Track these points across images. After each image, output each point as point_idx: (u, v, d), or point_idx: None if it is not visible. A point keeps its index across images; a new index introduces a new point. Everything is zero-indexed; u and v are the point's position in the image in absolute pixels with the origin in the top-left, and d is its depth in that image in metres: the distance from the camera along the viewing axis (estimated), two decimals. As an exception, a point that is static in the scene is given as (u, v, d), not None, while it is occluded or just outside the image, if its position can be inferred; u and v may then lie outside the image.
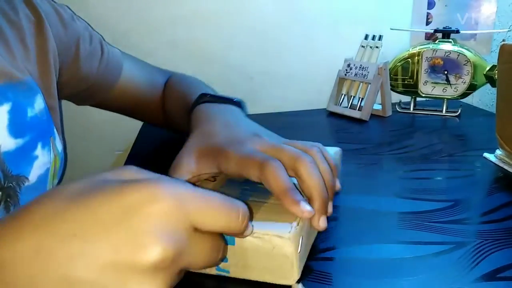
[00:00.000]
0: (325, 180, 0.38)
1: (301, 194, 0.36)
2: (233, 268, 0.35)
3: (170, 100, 0.64)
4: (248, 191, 0.39)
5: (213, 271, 0.36)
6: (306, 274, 0.38)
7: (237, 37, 0.87)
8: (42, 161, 0.44)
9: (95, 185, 0.23)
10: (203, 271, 0.36)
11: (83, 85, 0.59)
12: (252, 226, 0.31)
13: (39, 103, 0.45)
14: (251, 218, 0.32)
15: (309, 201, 0.36)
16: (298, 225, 0.34)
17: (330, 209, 0.39)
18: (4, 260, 0.21)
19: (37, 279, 0.21)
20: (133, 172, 0.25)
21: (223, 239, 0.27)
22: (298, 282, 0.34)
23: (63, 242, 0.21)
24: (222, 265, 0.35)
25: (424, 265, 0.38)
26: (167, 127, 0.69)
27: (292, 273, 0.33)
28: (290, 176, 0.37)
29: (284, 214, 0.34)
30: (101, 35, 0.63)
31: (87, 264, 0.21)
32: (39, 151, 0.44)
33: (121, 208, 0.22)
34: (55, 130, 0.49)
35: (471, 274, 0.37)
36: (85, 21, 0.60)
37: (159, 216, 0.22)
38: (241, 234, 0.28)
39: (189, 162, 0.41)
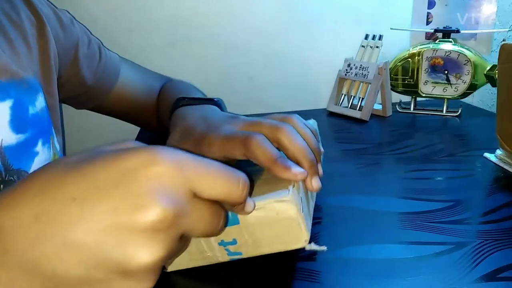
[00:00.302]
0: (309, 144, 0.38)
1: None
2: (244, 248, 0.35)
3: (162, 106, 0.65)
4: None
5: (226, 258, 0.36)
6: (306, 273, 0.38)
7: (237, 37, 0.87)
8: (43, 157, 0.45)
9: (94, 154, 0.23)
10: (217, 260, 0.36)
11: (81, 88, 0.59)
12: (254, 202, 0.31)
13: (40, 102, 0.46)
14: (250, 191, 0.32)
15: (299, 165, 0.36)
16: (294, 187, 0.34)
17: (320, 171, 0.39)
18: (4, 227, 0.21)
19: (37, 245, 0.21)
20: (132, 144, 0.25)
21: (223, 207, 0.27)
22: (309, 243, 0.34)
23: (62, 207, 0.21)
24: (233, 248, 0.35)
25: (425, 265, 0.38)
26: (162, 131, 0.69)
27: (301, 234, 0.33)
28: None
29: (278, 184, 0.34)
30: (99, 40, 0.63)
31: (86, 227, 0.20)
32: (39, 147, 0.45)
33: (119, 171, 0.21)
34: (53, 129, 0.49)
35: (471, 274, 0.37)
36: (85, 26, 0.61)
37: (158, 178, 0.22)
38: (241, 205, 0.28)
39: None
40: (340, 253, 0.40)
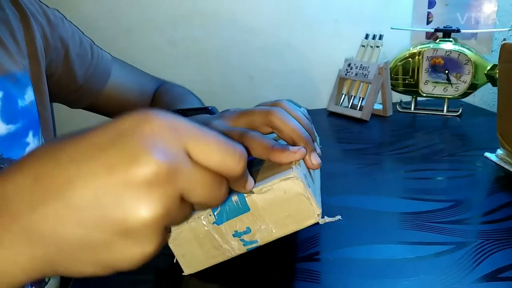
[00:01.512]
0: (301, 123, 0.38)
1: None
2: (259, 235, 0.35)
3: None
4: None
5: (242, 249, 0.36)
6: (307, 274, 0.38)
7: (237, 37, 0.87)
8: (33, 148, 0.46)
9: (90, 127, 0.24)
10: (235, 253, 0.36)
11: (73, 86, 0.59)
12: (254, 180, 0.31)
13: (29, 95, 0.47)
14: (254, 177, 0.32)
15: (294, 146, 0.36)
16: (296, 165, 0.34)
17: (318, 149, 0.39)
18: (7, 192, 0.22)
19: (38, 206, 0.21)
20: None
21: (226, 180, 0.26)
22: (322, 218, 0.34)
23: (61, 168, 0.21)
24: (248, 237, 0.35)
25: (425, 265, 0.38)
26: None
27: (312, 209, 0.33)
28: (267, 132, 0.38)
29: (281, 167, 0.35)
30: (91, 40, 0.63)
31: (84, 186, 0.21)
32: (30, 138, 0.46)
33: (115, 132, 0.22)
34: (41, 123, 0.50)
35: (472, 274, 0.37)
36: (77, 26, 0.61)
37: (152, 134, 0.22)
38: (242, 180, 0.27)
39: None
40: (341, 253, 0.40)
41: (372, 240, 0.42)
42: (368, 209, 0.48)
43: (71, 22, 0.60)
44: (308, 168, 0.37)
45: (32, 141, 0.46)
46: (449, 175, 0.57)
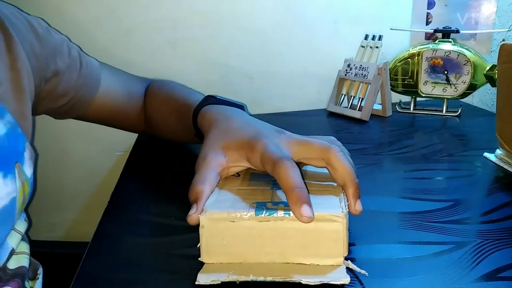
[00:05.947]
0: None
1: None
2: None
3: (154, 106, 0.64)
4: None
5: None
6: (306, 274, 0.38)
7: (237, 37, 0.87)
8: (5, 191, 0.41)
9: None
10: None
11: (63, 99, 0.57)
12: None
13: None
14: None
15: (343, 188, 0.38)
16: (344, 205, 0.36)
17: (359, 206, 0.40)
18: None
19: None
20: None
21: None
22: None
23: None
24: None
25: (424, 265, 0.38)
26: (148, 134, 0.68)
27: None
28: (321, 166, 0.39)
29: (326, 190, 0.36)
30: (79, 46, 0.61)
31: None
32: (0, 181, 0.41)
33: None
34: (25, 154, 0.45)
35: (471, 274, 0.37)
36: (65, 35, 0.59)
37: None
38: None
39: (217, 155, 0.41)
40: (340, 253, 0.40)
41: (371, 240, 0.42)
42: (368, 209, 0.48)
43: (58, 31, 0.58)
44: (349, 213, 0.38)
45: (3, 184, 0.40)
46: (448, 175, 0.57)
